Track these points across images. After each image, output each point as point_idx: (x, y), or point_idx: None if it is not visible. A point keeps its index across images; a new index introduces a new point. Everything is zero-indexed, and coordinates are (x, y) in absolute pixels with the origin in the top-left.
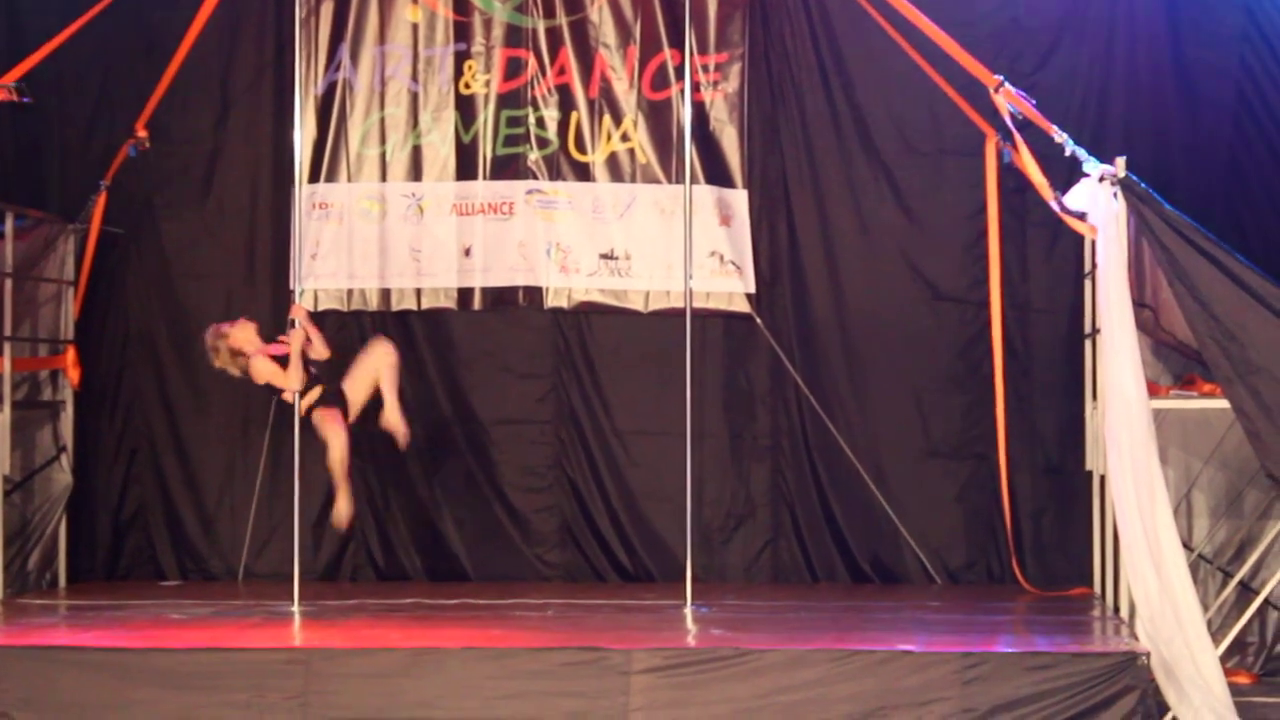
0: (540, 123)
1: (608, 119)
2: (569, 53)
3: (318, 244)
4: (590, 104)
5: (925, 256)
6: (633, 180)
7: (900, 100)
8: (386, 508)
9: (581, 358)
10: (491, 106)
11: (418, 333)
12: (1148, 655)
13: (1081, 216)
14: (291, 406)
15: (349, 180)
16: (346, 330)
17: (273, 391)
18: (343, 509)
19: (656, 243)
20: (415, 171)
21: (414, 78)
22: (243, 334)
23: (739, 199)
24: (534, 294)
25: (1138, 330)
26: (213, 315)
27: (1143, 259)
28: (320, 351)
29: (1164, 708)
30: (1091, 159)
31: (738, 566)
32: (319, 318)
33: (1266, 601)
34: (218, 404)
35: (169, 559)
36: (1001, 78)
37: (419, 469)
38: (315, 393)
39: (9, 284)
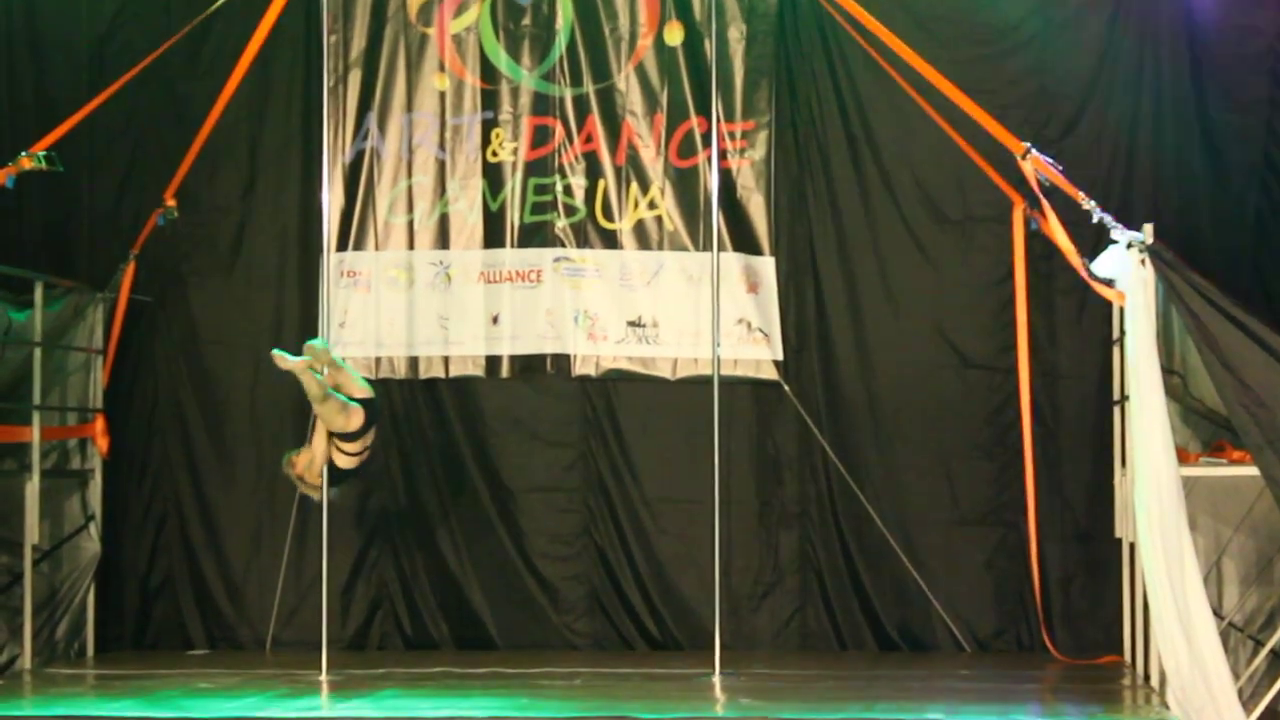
0: (568, 190)
1: (635, 186)
2: (596, 120)
3: (345, 312)
4: (617, 171)
5: (953, 323)
6: (660, 247)
7: (927, 167)
8: (414, 575)
9: (609, 425)
10: (519, 174)
11: (446, 400)
12: None
13: (1109, 283)
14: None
15: (376, 248)
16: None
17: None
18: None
19: (684, 310)
20: (443, 239)
21: (441, 146)
22: (305, 456)
23: (766, 266)
24: (562, 361)
25: (1167, 397)
26: (241, 383)
27: (1171, 325)
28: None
29: None
30: (1119, 225)
31: (766, 634)
32: None
33: None
34: (244, 471)
35: (197, 627)
36: (1028, 144)
37: (447, 536)
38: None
39: (38, 353)
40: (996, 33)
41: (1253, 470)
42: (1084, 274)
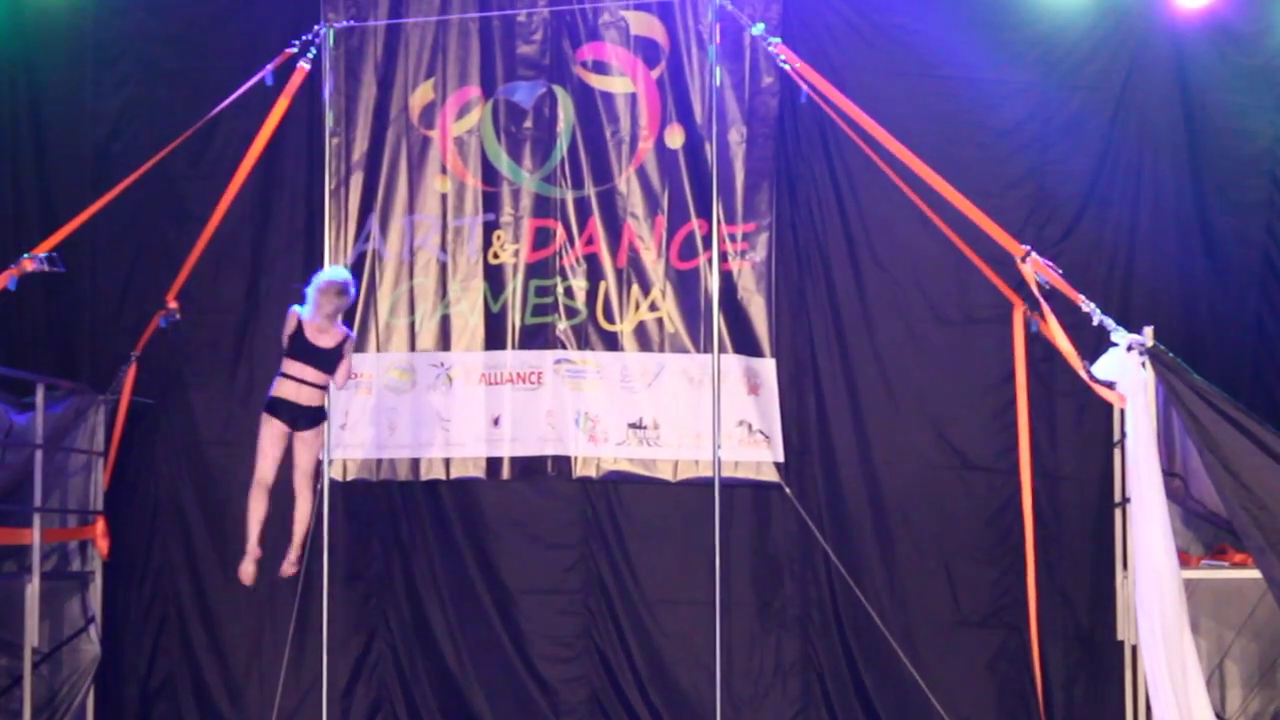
0: (569, 292)
1: (636, 288)
2: (597, 223)
3: (346, 414)
4: (618, 273)
5: (954, 425)
6: (661, 349)
7: (927, 269)
8: (415, 677)
9: (610, 527)
10: (520, 276)
11: (446, 502)
12: None
13: (1110, 385)
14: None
15: (378, 350)
16: (375, 500)
17: None
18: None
19: (685, 412)
20: (444, 341)
21: (443, 247)
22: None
23: (767, 368)
24: (563, 463)
25: (1168, 499)
26: (242, 484)
27: (1172, 428)
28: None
29: None
30: (1119, 328)
31: None
32: (348, 487)
33: None
34: None
35: None
36: (1028, 247)
37: (447, 638)
38: None
39: (39, 455)
40: (996, 135)
41: (1255, 573)
42: (1084, 376)
